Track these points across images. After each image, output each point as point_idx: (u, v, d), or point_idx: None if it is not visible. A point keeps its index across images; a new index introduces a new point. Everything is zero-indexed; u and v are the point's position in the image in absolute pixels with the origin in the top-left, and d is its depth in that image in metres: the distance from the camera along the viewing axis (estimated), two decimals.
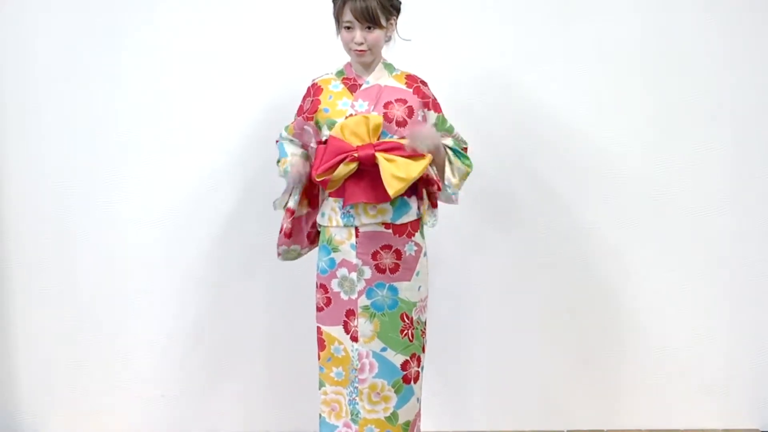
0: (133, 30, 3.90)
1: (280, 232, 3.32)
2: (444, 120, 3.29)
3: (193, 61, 3.91)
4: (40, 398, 4.03)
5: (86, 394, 4.03)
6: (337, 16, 3.18)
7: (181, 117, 3.93)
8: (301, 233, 3.37)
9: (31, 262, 3.98)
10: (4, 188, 3.95)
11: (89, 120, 3.93)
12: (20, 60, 3.90)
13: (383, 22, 3.15)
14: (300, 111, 3.33)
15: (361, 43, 3.16)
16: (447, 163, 3.23)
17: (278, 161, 3.34)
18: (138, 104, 3.93)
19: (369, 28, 3.14)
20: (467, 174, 3.29)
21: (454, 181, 3.24)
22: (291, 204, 3.29)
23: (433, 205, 3.33)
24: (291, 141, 3.36)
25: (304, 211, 3.35)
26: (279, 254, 3.37)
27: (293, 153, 3.31)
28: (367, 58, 3.22)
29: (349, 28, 3.16)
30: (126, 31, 3.90)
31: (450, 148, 3.25)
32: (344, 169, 3.10)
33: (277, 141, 3.41)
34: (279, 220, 3.44)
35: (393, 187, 3.05)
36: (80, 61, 3.90)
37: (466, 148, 3.31)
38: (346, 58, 3.27)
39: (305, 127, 3.27)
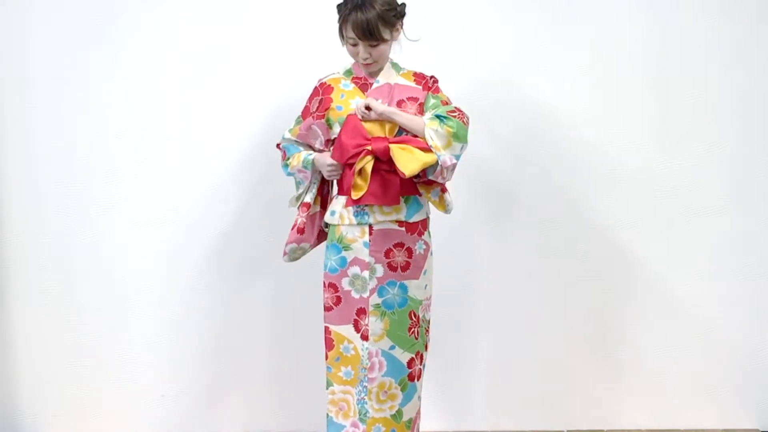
0: (135, 29, 3.89)
1: (293, 228, 3.32)
2: (428, 98, 3.24)
3: (195, 62, 3.90)
4: (40, 398, 4.01)
5: (86, 394, 4.01)
6: (341, 31, 3.19)
7: (182, 117, 3.92)
8: (313, 230, 3.37)
9: (31, 262, 3.96)
10: (4, 188, 3.93)
11: (89, 120, 3.92)
12: (20, 60, 3.88)
13: (387, 35, 3.16)
14: (306, 112, 3.32)
15: (367, 58, 3.18)
16: (426, 130, 3.15)
17: (287, 159, 3.35)
18: (139, 105, 3.91)
19: (373, 44, 3.16)
20: (452, 136, 3.14)
21: (435, 143, 3.13)
22: (308, 198, 3.32)
23: (442, 190, 3.32)
24: (296, 143, 3.36)
25: (317, 209, 3.36)
26: (285, 253, 3.36)
27: (307, 151, 3.33)
28: (374, 68, 3.25)
29: (354, 44, 3.17)
30: (127, 31, 3.89)
31: (435, 115, 3.17)
32: (358, 166, 3.12)
33: (278, 145, 3.41)
34: (281, 218, 3.46)
35: (408, 167, 3.06)
36: (81, 60, 3.89)
37: (454, 114, 3.17)
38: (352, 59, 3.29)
39: (313, 126, 3.27)
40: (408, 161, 3.07)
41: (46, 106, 3.91)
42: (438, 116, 3.16)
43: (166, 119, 3.93)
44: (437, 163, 3.13)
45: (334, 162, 3.19)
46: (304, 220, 3.31)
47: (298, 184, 3.36)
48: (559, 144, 3.95)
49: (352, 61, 3.29)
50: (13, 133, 3.91)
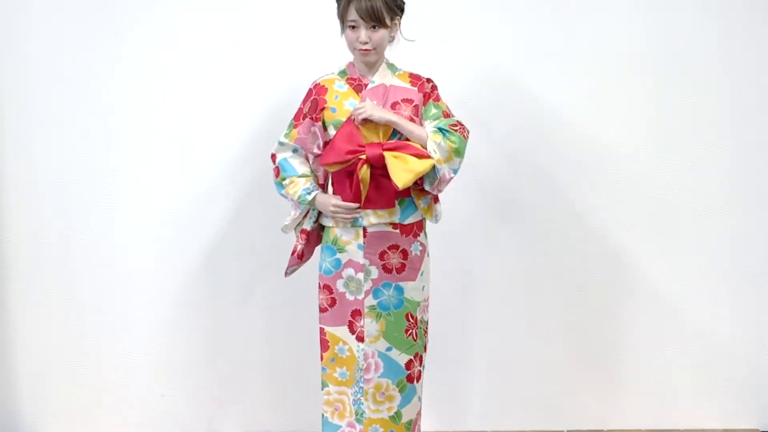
0: (134, 29, 3.88)
1: (293, 254, 3.33)
2: (430, 107, 3.23)
3: (195, 62, 3.89)
4: (40, 398, 4.02)
5: (86, 394, 4.02)
6: (342, 15, 3.16)
7: (182, 117, 3.92)
8: (312, 249, 3.39)
9: (31, 263, 3.97)
10: (4, 188, 3.93)
11: (90, 120, 3.92)
12: (20, 59, 3.88)
13: (388, 21, 3.14)
14: (299, 114, 3.29)
15: (366, 42, 3.14)
16: (429, 143, 3.14)
17: (281, 179, 3.29)
18: (139, 105, 3.91)
19: (374, 27, 3.13)
20: (453, 151, 3.14)
21: (436, 157, 3.13)
22: (307, 226, 3.32)
23: (435, 199, 3.32)
24: (294, 152, 3.30)
25: (315, 226, 3.35)
26: (287, 274, 3.39)
27: (304, 173, 3.27)
28: (371, 58, 3.21)
29: (354, 27, 3.14)
30: (127, 31, 3.88)
31: (437, 128, 3.16)
32: (360, 175, 3.12)
33: (273, 155, 3.33)
34: (280, 219, 3.44)
35: (401, 179, 3.05)
36: (81, 60, 3.89)
37: (456, 128, 3.17)
38: (349, 58, 3.27)
39: (313, 128, 3.25)
40: (401, 173, 3.06)
41: (46, 106, 3.91)
42: (441, 129, 3.16)
43: (166, 119, 3.93)
44: (435, 175, 3.14)
45: (340, 204, 3.17)
46: (303, 247, 3.33)
47: (292, 205, 3.34)
48: (558, 144, 3.94)
49: (347, 61, 3.28)
50: (13, 132, 3.91)
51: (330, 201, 3.20)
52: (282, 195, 3.31)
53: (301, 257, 3.34)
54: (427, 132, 3.16)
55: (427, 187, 3.19)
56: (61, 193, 3.94)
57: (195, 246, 3.98)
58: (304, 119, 3.27)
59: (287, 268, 3.38)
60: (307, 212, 3.32)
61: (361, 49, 3.17)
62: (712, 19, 3.89)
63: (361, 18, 3.11)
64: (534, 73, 3.92)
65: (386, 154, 3.09)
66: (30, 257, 3.97)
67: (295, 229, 3.36)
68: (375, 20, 3.11)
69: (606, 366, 4.05)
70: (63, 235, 3.96)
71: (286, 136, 3.30)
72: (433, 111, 3.23)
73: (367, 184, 3.12)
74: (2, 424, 4.01)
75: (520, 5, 3.91)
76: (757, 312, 4.02)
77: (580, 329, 4.03)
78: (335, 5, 3.19)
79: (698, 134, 3.95)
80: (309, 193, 3.24)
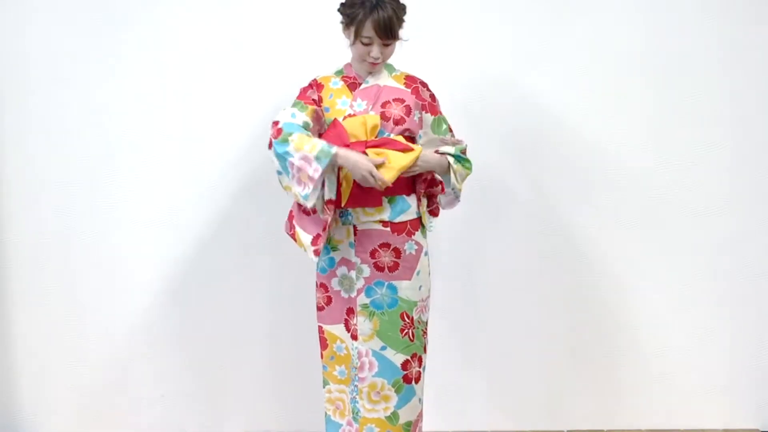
0: (134, 29, 3.89)
1: (324, 229, 3.10)
2: (441, 122, 3.28)
3: (195, 61, 3.90)
4: (40, 398, 4.03)
5: (86, 394, 4.02)
6: (357, 31, 3.13)
7: (182, 117, 3.93)
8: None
9: (31, 263, 3.97)
10: (4, 188, 3.94)
11: (90, 120, 3.92)
12: (19, 59, 3.89)
13: (398, 34, 3.16)
14: (303, 93, 3.25)
15: (378, 57, 3.17)
16: (451, 172, 3.19)
17: (288, 135, 3.06)
18: (139, 105, 3.92)
19: (386, 45, 3.15)
20: (467, 175, 3.28)
21: (458, 186, 3.22)
22: (332, 194, 3.11)
23: (433, 213, 3.34)
24: (303, 127, 3.13)
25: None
26: (318, 253, 3.14)
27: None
28: (379, 69, 3.24)
29: (367, 44, 3.15)
30: (127, 30, 3.89)
31: (451, 155, 3.21)
32: (341, 173, 3.10)
33: (275, 122, 3.13)
34: (281, 218, 3.44)
35: (382, 175, 3.05)
36: (80, 61, 3.90)
37: (464, 150, 3.29)
38: (348, 57, 3.27)
39: (324, 118, 3.24)
40: (382, 170, 3.06)
41: (46, 106, 3.92)
42: (458, 158, 3.22)
43: (166, 119, 3.94)
44: (451, 187, 3.21)
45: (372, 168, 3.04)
46: (329, 218, 3.11)
47: (282, 173, 3.11)
48: (559, 144, 3.94)
49: (345, 62, 3.30)
50: (13, 133, 3.93)
51: (363, 159, 3.04)
52: (282, 155, 3.06)
53: (325, 229, 3.11)
54: (448, 160, 3.20)
55: (442, 202, 3.29)
56: (61, 193, 3.95)
57: (195, 246, 3.98)
58: (312, 104, 3.21)
59: (314, 245, 3.11)
60: (322, 182, 3.08)
61: (372, 63, 3.20)
62: (712, 19, 3.89)
63: (378, 36, 3.11)
64: (534, 73, 3.92)
65: (369, 151, 3.10)
66: (30, 257, 3.97)
67: (317, 203, 3.08)
68: (391, 37, 3.13)
69: (606, 366, 4.04)
70: (63, 235, 3.96)
71: (302, 110, 3.18)
72: (444, 126, 3.28)
73: (350, 182, 3.12)
74: (2, 424, 4.02)
75: (520, 5, 3.91)
76: (757, 312, 4.01)
77: (580, 329, 4.03)
78: (340, 13, 3.18)
79: (698, 134, 3.94)
80: (330, 147, 3.04)
